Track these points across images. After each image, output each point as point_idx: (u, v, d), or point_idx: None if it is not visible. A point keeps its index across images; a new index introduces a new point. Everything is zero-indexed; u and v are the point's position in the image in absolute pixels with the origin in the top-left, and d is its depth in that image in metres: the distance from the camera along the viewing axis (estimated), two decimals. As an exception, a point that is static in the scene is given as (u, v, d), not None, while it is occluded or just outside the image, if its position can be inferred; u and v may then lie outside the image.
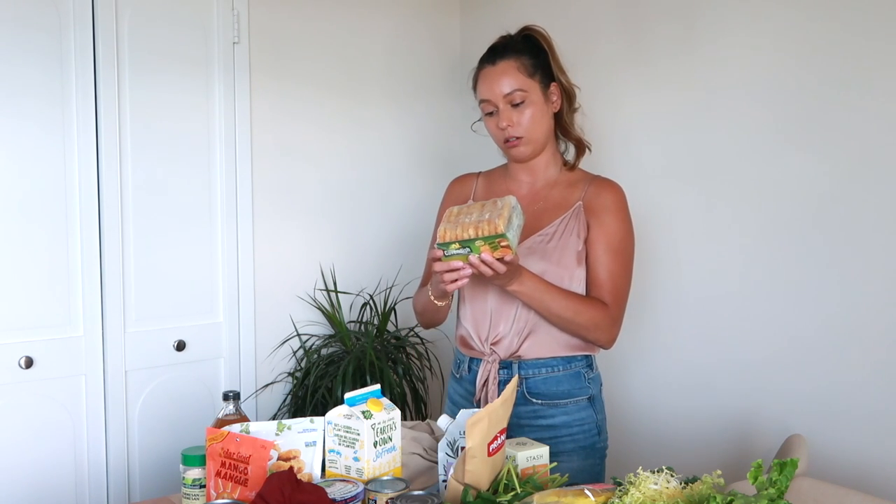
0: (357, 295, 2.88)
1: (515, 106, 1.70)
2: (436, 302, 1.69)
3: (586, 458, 1.72)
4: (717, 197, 2.24)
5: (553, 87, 1.74)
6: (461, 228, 1.50)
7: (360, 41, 2.87)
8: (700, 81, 2.26)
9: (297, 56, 2.73)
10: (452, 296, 1.72)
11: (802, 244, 2.05)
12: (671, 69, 2.33)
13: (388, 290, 2.89)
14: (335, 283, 2.83)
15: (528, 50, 1.73)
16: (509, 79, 1.70)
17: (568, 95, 1.76)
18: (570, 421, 1.72)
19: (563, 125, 1.78)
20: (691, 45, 2.28)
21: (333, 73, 2.81)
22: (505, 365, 1.73)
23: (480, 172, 1.91)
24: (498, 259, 1.49)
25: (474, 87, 1.79)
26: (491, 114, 1.74)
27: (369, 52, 2.90)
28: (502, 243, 1.47)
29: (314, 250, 2.81)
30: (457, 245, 1.50)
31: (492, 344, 1.73)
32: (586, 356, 1.76)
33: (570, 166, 1.80)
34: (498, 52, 1.74)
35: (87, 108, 2.31)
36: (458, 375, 1.84)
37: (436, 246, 1.53)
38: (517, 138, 1.71)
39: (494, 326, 1.73)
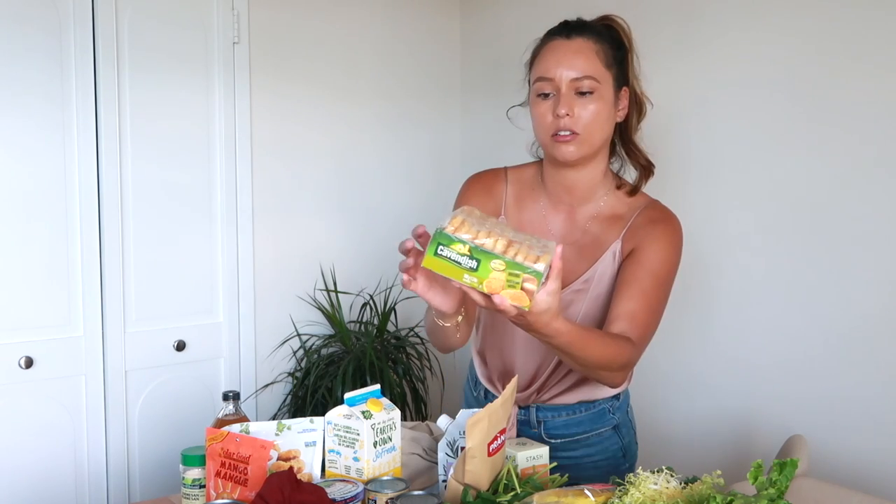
0: (357, 295, 2.88)
1: (581, 95, 1.39)
2: (438, 321, 1.32)
3: (609, 481, 1.61)
4: (718, 197, 2.24)
5: (623, 92, 1.45)
6: (486, 232, 1.07)
7: (360, 41, 2.87)
8: (700, 81, 2.26)
9: (297, 56, 2.73)
10: (462, 316, 1.32)
11: (803, 245, 2.05)
12: (671, 69, 2.33)
13: (388, 290, 2.89)
14: (335, 283, 2.82)
15: (609, 38, 1.42)
16: (584, 61, 1.38)
17: (639, 107, 1.48)
18: (593, 452, 1.57)
19: (628, 142, 1.50)
20: (691, 46, 2.27)
21: (333, 73, 2.81)
22: (523, 407, 1.56)
23: (507, 170, 1.56)
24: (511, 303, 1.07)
25: (531, 62, 1.47)
26: (546, 95, 1.41)
27: (369, 53, 2.90)
28: (527, 283, 1.05)
29: (314, 250, 2.81)
30: (465, 248, 1.04)
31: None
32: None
33: (630, 189, 1.50)
34: (575, 27, 1.42)
35: (87, 107, 2.31)
36: (475, 394, 1.66)
37: (434, 233, 1.06)
38: (571, 133, 1.39)
39: (522, 381, 1.52)
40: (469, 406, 1.69)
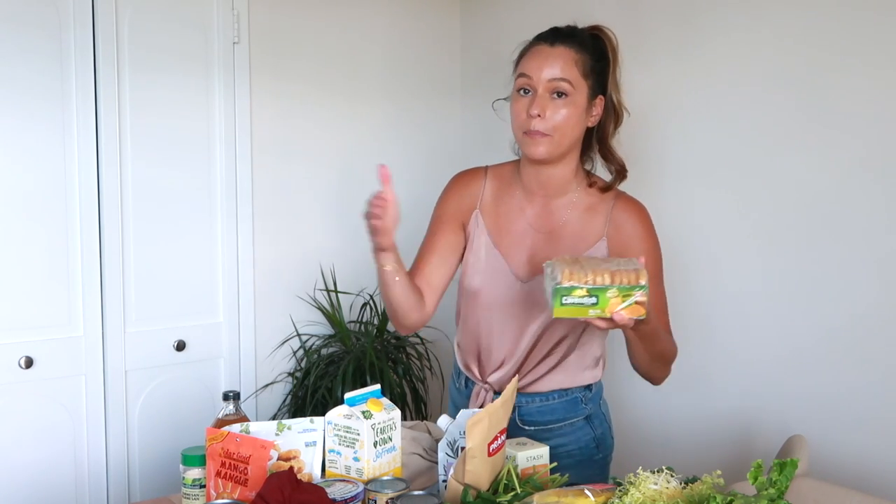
0: (357, 295, 2.88)
1: (555, 98, 1.51)
2: (381, 268, 1.49)
3: (583, 470, 1.61)
4: (718, 197, 2.24)
5: (599, 100, 1.56)
6: (591, 272, 1.28)
7: (360, 41, 2.87)
8: (700, 81, 2.26)
9: (297, 56, 2.73)
10: (393, 263, 1.50)
11: (803, 244, 2.05)
12: (671, 69, 2.33)
13: (388, 290, 2.88)
14: (335, 283, 2.82)
15: (593, 50, 1.55)
16: (562, 66, 1.51)
17: (616, 115, 1.58)
18: (566, 441, 1.65)
19: (605, 146, 1.61)
20: (691, 46, 2.27)
21: (333, 73, 2.81)
22: (499, 393, 1.64)
23: (488, 168, 1.71)
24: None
25: (517, 61, 1.59)
26: (524, 92, 1.54)
27: (369, 52, 2.90)
28: (639, 297, 1.28)
29: (314, 250, 2.81)
30: (583, 292, 1.27)
31: (488, 376, 1.66)
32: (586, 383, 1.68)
33: (601, 188, 1.61)
34: (561, 35, 1.55)
35: (87, 107, 2.31)
36: (457, 385, 1.77)
37: (552, 289, 1.29)
38: (541, 133, 1.51)
39: (496, 360, 1.64)
40: (454, 400, 1.79)
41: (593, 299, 1.28)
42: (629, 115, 1.60)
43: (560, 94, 1.51)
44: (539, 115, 1.50)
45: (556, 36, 1.55)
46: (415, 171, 3.02)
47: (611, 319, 1.31)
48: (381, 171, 1.44)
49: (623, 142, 2.43)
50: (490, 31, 2.96)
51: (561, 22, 1.67)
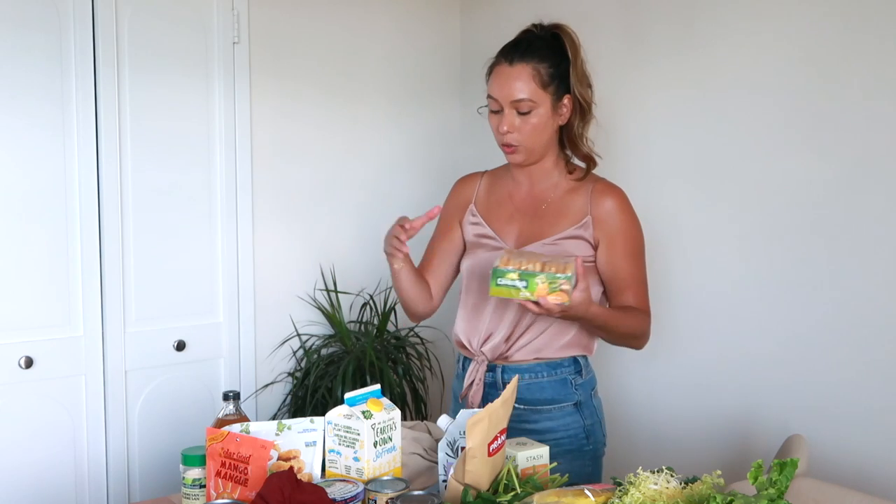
0: (357, 295, 2.88)
1: (521, 113, 1.65)
2: (392, 266, 1.75)
3: (573, 460, 1.67)
4: (718, 196, 2.24)
5: (566, 98, 1.68)
6: (525, 261, 1.49)
7: (360, 41, 2.87)
8: (700, 81, 2.26)
9: (297, 56, 2.73)
10: (401, 263, 1.75)
11: (803, 244, 2.05)
12: (671, 69, 2.33)
13: (388, 290, 2.88)
14: (335, 283, 2.82)
15: (551, 56, 1.66)
16: (521, 85, 1.64)
17: (582, 109, 1.69)
18: (555, 426, 1.71)
19: (571, 139, 1.72)
20: (691, 45, 2.28)
21: (333, 73, 2.81)
22: (490, 368, 1.74)
23: (486, 172, 1.88)
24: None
25: (486, 77, 1.73)
26: (495, 111, 1.69)
27: (369, 53, 2.90)
28: (563, 286, 1.45)
29: (314, 250, 2.81)
30: (515, 275, 1.46)
31: (481, 345, 1.75)
32: (575, 361, 1.74)
33: (579, 176, 1.74)
34: (518, 51, 1.66)
35: (87, 108, 2.31)
36: (458, 371, 1.85)
37: (491, 272, 1.50)
38: (514, 146, 1.68)
39: (487, 330, 1.74)
40: (455, 391, 1.86)
41: (524, 283, 1.46)
42: (596, 105, 1.72)
43: (525, 111, 1.65)
44: (509, 132, 1.66)
45: (514, 52, 1.66)
46: (414, 171, 3.02)
47: (539, 304, 1.48)
48: (433, 211, 1.68)
49: (621, 140, 2.44)
50: (490, 31, 2.96)
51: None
